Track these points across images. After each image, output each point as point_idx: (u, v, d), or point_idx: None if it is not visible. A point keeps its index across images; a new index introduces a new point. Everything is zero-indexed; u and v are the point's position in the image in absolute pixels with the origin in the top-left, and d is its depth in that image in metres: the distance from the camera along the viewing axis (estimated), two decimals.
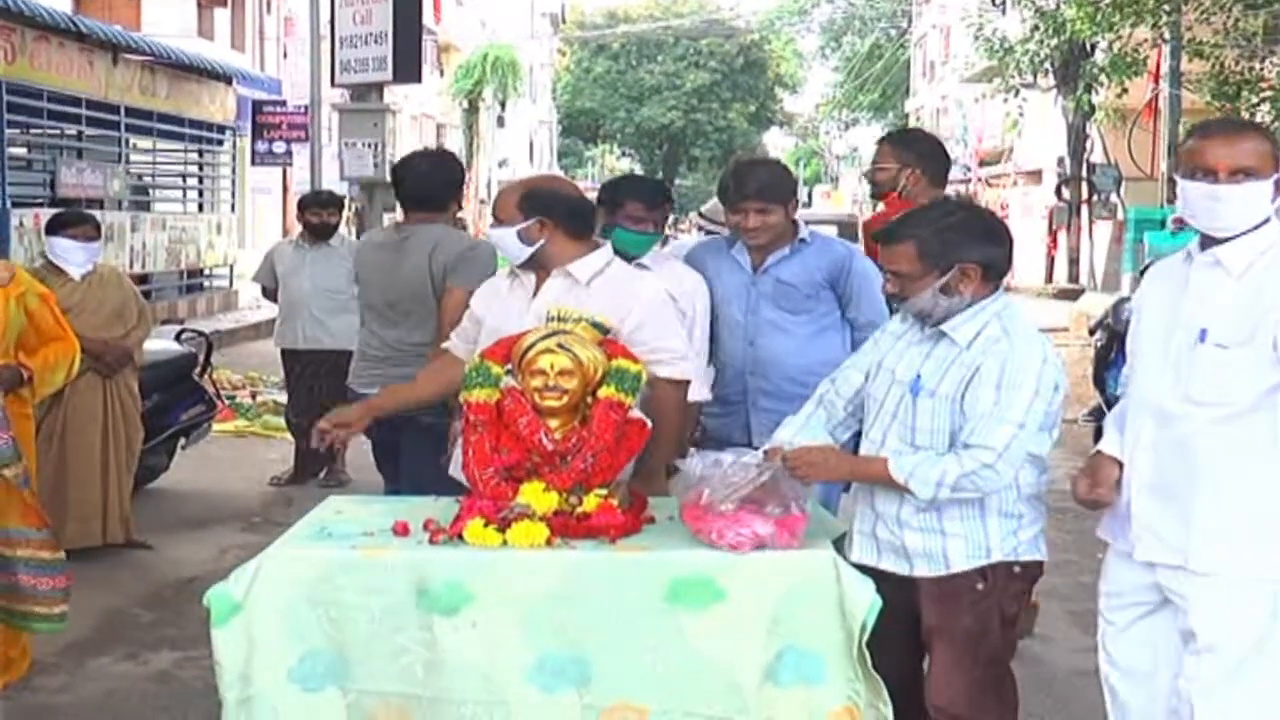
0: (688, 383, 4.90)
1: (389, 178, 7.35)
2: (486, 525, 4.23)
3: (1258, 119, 23.18)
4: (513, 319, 4.86)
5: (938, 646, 4.24)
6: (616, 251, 5.14)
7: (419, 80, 21.22)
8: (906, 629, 4.24)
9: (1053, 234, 38.47)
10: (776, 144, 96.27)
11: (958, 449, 4.03)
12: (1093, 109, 33.84)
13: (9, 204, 17.65)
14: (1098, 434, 11.07)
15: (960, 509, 4.11)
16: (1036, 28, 31.76)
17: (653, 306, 4.85)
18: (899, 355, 4.25)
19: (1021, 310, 4.25)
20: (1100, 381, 11.10)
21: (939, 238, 4.12)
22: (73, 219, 8.22)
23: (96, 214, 19.12)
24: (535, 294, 4.90)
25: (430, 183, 6.45)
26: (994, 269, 4.16)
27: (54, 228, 8.00)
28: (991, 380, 4.00)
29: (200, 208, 24.86)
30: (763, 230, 5.55)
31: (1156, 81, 30.55)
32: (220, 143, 25.22)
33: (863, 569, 4.17)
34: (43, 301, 6.06)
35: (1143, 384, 4.14)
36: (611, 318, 4.62)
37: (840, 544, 4.35)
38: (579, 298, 4.76)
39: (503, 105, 59.36)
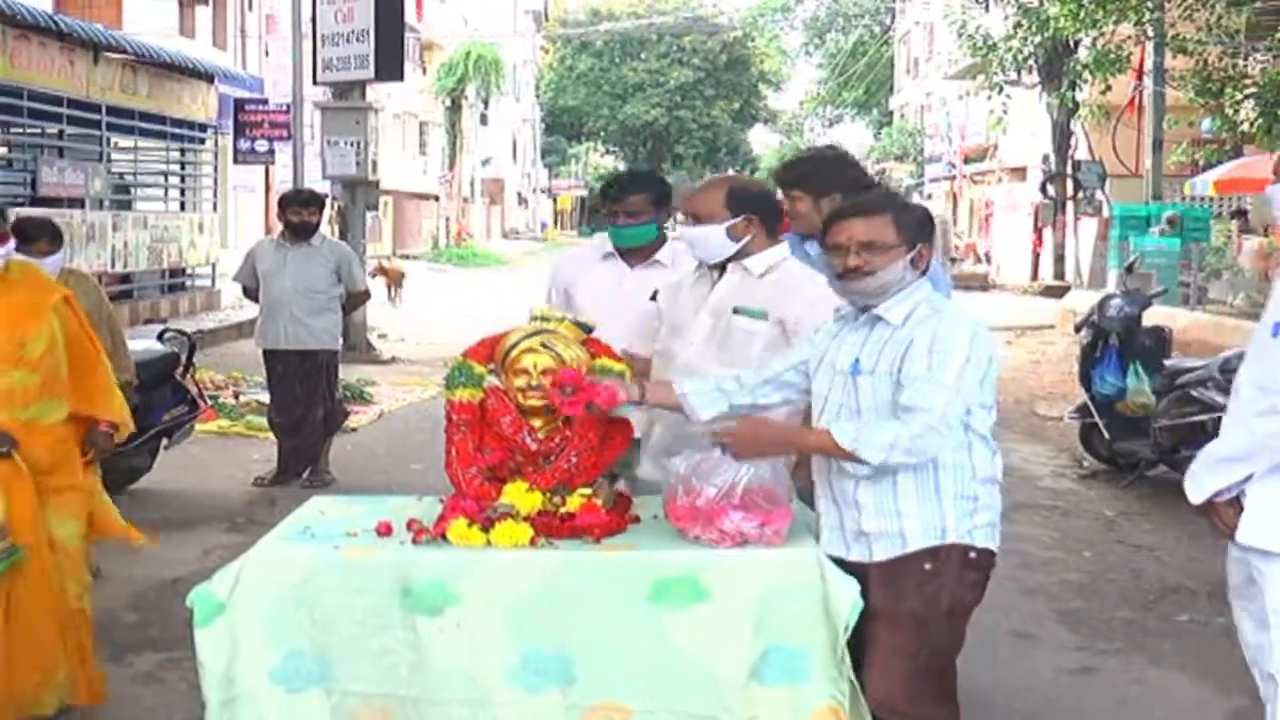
0: None
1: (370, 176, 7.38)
2: (470, 525, 4.24)
3: (1241, 116, 23.24)
4: (688, 313, 4.99)
5: (880, 633, 4.14)
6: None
7: (401, 78, 21.25)
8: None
9: (1038, 231, 38.51)
10: (760, 141, 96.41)
11: (898, 413, 4.03)
12: (1077, 106, 33.89)
13: None
14: (1083, 431, 11.19)
15: (916, 488, 4.09)
16: (1020, 25, 31.73)
17: (816, 305, 4.86)
18: (837, 348, 4.25)
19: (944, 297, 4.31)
20: (1086, 379, 11.11)
21: (909, 214, 4.23)
22: (30, 231, 7.36)
23: (78, 214, 19.22)
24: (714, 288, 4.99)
25: None
26: (929, 260, 4.25)
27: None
28: (924, 348, 4.03)
29: (182, 207, 24.78)
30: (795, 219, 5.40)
31: (1140, 78, 30.59)
32: (202, 141, 25.15)
33: (835, 563, 4.17)
34: (67, 305, 5.44)
35: (1239, 371, 4.26)
36: (774, 310, 4.75)
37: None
38: (750, 289, 4.87)
39: (486, 103, 59.44)
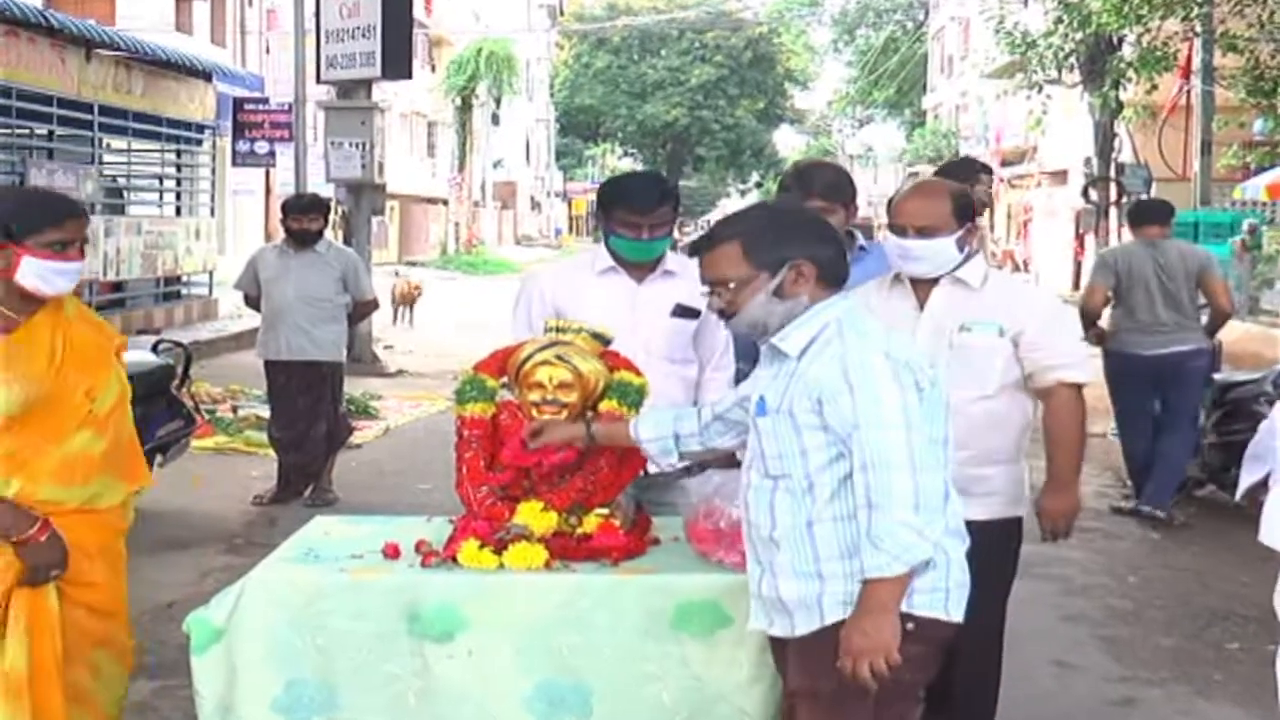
0: (1083, 386, 4.88)
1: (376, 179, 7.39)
2: (482, 547, 4.24)
3: None
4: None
5: (800, 716, 3.74)
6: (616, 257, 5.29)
7: (409, 76, 21.27)
8: None
9: (1079, 238, 38.44)
10: (786, 142, 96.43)
11: (855, 474, 3.57)
12: (1121, 106, 33.81)
13: None
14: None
15: (839, 544, 3.61)
16: (1060, 20, 31.68)
17: (1052, 310, 4.88)
18: (755, 388, 3.89)
19: (867, 316, 3.85)
20: None
21: (766, 234, 3.78)
22: None
23: None
24: (922, 304, 4.75)
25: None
26: (830, 270, 3.77)
27: None
28: (839, 383, 3.58)
29: (178, 211, 24.83)
30: None
31: (1187, 77, 30.52)
32: (199, 142, 25.20)
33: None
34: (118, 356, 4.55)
35: None
36: (1006, 321, 4.65)
37: None
38: (973, 302, 4.68)
39: (498, 102, 59.54)
